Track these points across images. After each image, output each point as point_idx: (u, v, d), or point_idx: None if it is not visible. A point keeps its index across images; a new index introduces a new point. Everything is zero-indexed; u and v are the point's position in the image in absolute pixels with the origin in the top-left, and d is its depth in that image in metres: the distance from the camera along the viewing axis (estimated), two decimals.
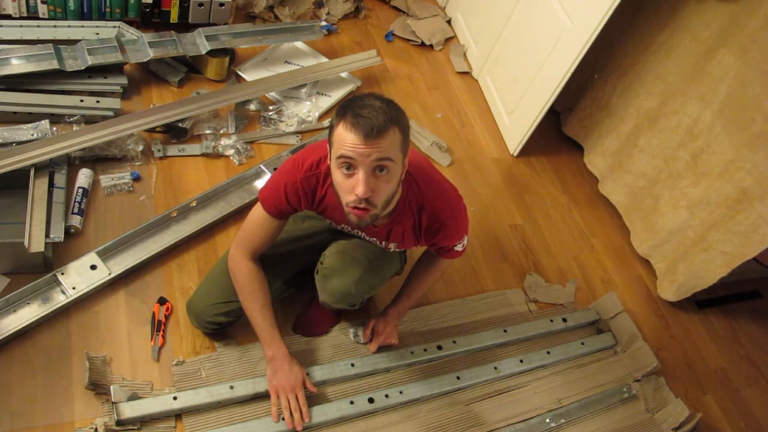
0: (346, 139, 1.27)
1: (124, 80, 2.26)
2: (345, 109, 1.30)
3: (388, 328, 1.85)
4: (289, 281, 1.82)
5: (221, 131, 2.29)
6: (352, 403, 1.72)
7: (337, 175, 1.34)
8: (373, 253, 1.67)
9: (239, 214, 2.08)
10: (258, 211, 1.59)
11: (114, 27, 2.38)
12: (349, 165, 1.30)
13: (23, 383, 1.58)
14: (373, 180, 1.31)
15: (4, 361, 1.61)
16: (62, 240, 1.77)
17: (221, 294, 1.69)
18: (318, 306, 1.83)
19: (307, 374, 1.72)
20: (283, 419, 1.62)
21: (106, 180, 2.02)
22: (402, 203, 1.50)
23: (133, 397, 1.58)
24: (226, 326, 1.75)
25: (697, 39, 2.16)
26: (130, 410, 1.55)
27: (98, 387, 1.60)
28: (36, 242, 1.69)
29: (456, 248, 1.66)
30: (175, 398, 1.60)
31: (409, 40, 3.05)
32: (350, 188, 1.32)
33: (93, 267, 1.78)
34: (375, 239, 1.65)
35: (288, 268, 1.80)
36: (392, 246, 1.65)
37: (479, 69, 2.94)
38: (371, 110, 1.27)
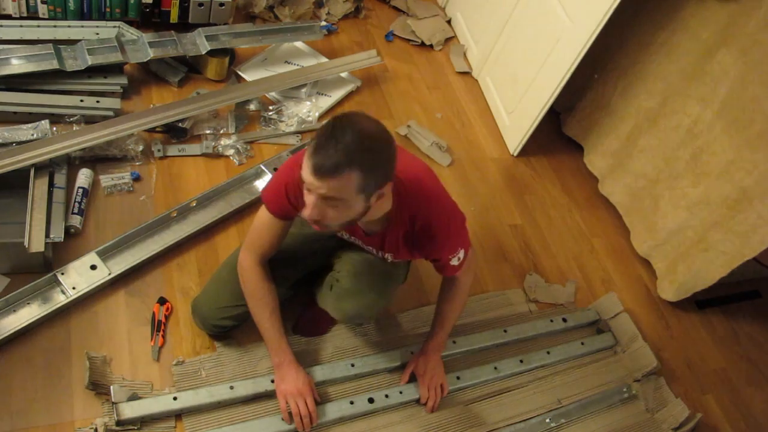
0: (305, 163, 1.28)
1: (124, 80, 2.26)
2: (321, 130, 1.27)
3: (429, 365, 1.79)
4: (290, 285, 1.81)
5: (221, 131, 2.29)
6: (352, 403, 1.72)
7: (303, 188, 1.36)
8: (383, 273, 1.67)
9: (239, 214, 2.08)
10: (263, 214, 1.59)
11: (114, 27, 2.38)
12: (306, 186, 1.32)
13: (23, 383, 1.58)
14: (323, 207, 1.32)
15: (4, 361, 1.61)
16: (62, 240, 1.77)
17: (229, 298, 1.69)
18: (318, 307, 1.83)
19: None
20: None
21: (106, 180, 2.02)
22: (395, 213, 1.48)
23: (133, 397, 1.58)
24: (231, 329, 1.75)
25: (697, 39, 2.16)
26: (130, 410, 1.55)
27: (98, 387, 1.60)
28: (36, 242, 1.69)
29: (452, 262, 1.60)
30: (175, 398, 1.60)
31: (409, 40, 3.04)
32: (305, 205, 1.35)
33: (93, 267, 1.78)
34: (371, 248, 1.64)
35: (291, 273, 1.79)
36: (389, 256, 1.63)
37: (479, 69, 2.94)
38: (333, 146, 1.22)
